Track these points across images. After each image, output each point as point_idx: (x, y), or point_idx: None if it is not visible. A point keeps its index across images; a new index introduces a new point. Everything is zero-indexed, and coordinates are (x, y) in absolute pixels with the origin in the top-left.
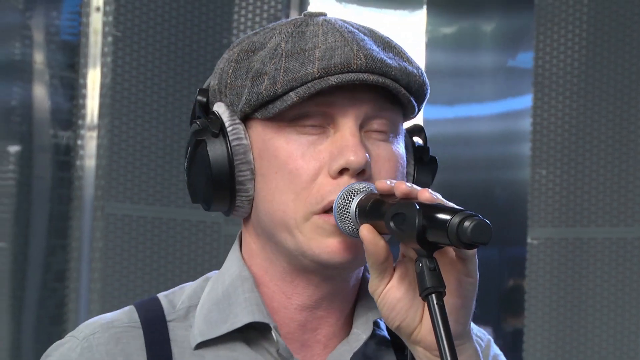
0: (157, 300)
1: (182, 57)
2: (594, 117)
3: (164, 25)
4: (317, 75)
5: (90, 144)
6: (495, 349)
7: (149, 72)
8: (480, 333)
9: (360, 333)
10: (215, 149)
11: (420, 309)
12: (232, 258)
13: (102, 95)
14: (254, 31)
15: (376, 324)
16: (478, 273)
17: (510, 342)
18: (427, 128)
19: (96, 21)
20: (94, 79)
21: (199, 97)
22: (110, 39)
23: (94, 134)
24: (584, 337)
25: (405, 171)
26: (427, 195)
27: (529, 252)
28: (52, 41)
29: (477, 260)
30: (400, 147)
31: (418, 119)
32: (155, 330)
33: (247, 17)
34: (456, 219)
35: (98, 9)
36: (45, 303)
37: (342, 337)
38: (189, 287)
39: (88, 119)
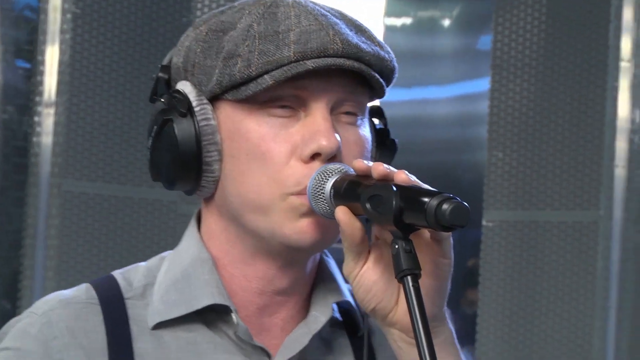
0: (113, 278)
1: (142, 35)
2: (551, 100)
3: (123, 3)
4: (293, 59)
5: (47, 121)
6: None
7: (107, 49)
8: None
9: (319, 315)
10: (183, 129)
11: (395, 291)
12: (190, 238)
13: (61, 73)
14: (220, 10)
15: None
16: (453, 254)
17: (465, 325)
18: (385, 110)
19: None
20: (52, 56)
21: (161, 74)
22: (69, 15)
23: (52, 111)
24: (538, 320)
25: (370, 155)
26: (404, 176)
27: (484, 235)
28: (10, 17)
29: (451, 242)
30: (366, 130)
31: (375, 102)
32: (114, 308)
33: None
34: (434, 202)
35: None
36: (1, 281)
37: (299, 320)
38: (144, 265)
39: (46, 96)
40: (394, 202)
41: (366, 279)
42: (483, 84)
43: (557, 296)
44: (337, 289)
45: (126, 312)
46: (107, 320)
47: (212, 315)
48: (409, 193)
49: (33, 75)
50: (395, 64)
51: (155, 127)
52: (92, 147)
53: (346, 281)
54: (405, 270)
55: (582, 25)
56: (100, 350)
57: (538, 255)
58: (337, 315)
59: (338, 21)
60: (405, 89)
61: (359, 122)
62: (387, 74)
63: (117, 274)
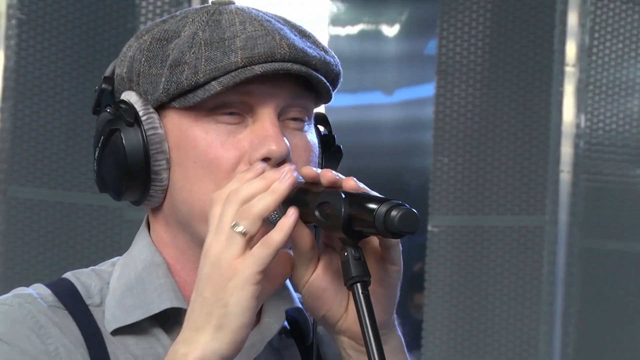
0: (70, 283)
1: (87, 41)
2: (496, 105)
3: (68, 9)
4: (241, 65)
5: None
6: None
7: (53, 55)
8: None
9: (273, 322)
10: (131, 139)
11: (345, 298)
12: (142, 244)
13: (6, 78)
14: (162, 19)
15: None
16: (402, 261)
17: (411, 331)
18: (330, 115)
19: (0, 3)
20: None
21: (105, 85)
22: (14, 21)
23: None
24: (484, 325)
25: (317, 160)
26: (353, 183)
27: (429, 240)
28: None
29: (400, 248)
30: (313, 135)
31: (320, 107)
32: (80, 313)
33: (150, 1)
34: (383, 208)
35: None
36: None
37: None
38: (95, 270)
39: None
40: (342, 210)
41: (315, 287)
42: (428, 89)
43: (502, 301)
44: (289, 296)
45: (93, 317)
46: (78, 324)
47: (168, 320)
48: (358, 200)
49: None
50: (340, 69)
51: (102, 137)
52: (37, 153)
53: (296, 290)
54: (354, 277)
55: (527, 30)
56: (81, 346)
57: (484, 260)
58: (286, 323)
59: (283, 26)
60: (350, 94)
61: (306, 127)
62: (333, 78)
63: (72, 278)
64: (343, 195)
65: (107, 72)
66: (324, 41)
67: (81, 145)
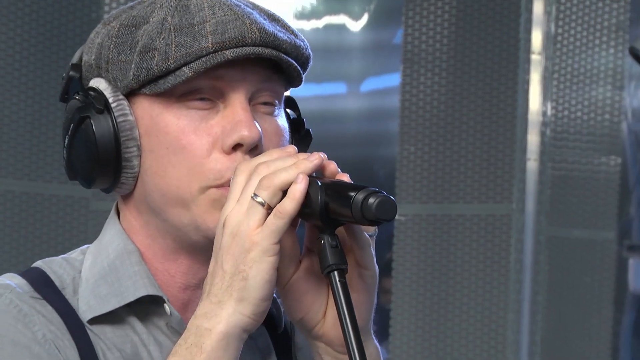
0: (43, 272)
1: (51, 31)
2: (462, 94)
3: None
4: (211, 50)
5: None
6: None
7: (17, 45)
8: None
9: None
10: (101, 126)
11: (324, 304)
12: (113, 231)
13: None
14: (129, 5)
15: None
16: (377, 266)
17: (379, 320)
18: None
19: None
20: None
21: (72, 73)
22: None
23: None
24: (452, 314)
25: (287, 144)
26: (333, 167)
27: (397, 229)
28: None
29: (373, 253)
30: (283, 120)
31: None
32: (59, 303)
33: None
34: (360, 196)
35: None
36: None
37: None
38: (65, 258)
39: None
40: (319, 197)
41: (295, 289)
42: (394, 79)
43: (470, 289)
44: None
45: (71, 306)
46: (58, 312)
47: (142, 308)
48: (335, 188)
49: None
50: (310, 52)
51: (71, 125)
52: (2, 143)
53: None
54: (331, 265)
55: (492, 18)
56: (66, 332)
57: (451, 248)
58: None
59: (252, 10)
60: (315, 84)
61: (276, 112)
62: (303, 62)
63: (44, 267)
64: (319, 183)
65: (74, 60)
66: None
67: (46, 135)
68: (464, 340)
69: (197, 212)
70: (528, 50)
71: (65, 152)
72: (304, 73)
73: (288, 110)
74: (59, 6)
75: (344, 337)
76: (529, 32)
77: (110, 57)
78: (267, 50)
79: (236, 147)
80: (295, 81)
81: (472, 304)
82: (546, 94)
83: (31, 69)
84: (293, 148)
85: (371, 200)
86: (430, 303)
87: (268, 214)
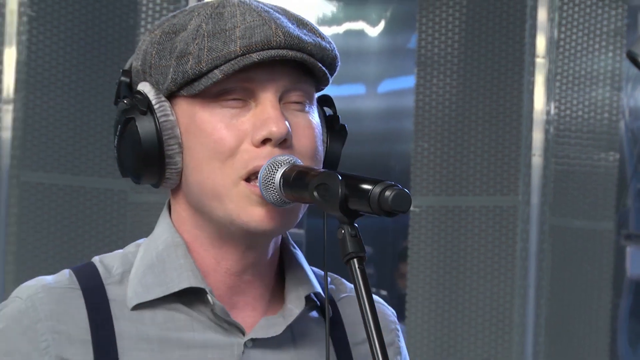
0: (93, 265)
1: (92, 36)
2: (472, 94)
3: (74, 7)
4: (239, 53)
5: (6, 117)
6: (402, 342)
7: (61, 49)
8: (394, 317)
9: (293, 308)
10: (145, 126)
11: None
12: (163, 225)
13: (18, 72)
14: (172, 14)
15: (308, 299)
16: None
17: (396, 305)
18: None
19: (12, 2)
20: (10, 56)
21: (123, 78)
22: (25, 18)
23: (10, 107)
24: (462, 298)
25: (321, 138)
26: None
27: (412, 219)
28: None
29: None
30: (315, 116)
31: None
32: (94, 292)
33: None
34: (377, 189)
35: None
36: None
37: (268, 298)
38: (121, 252)
39: (4, 93)
40: (339, 190)
41: None
42: (409, 81)
43: (480, 275)
44: (308, 282)
45: (106, 296)
46: (88, 304)
47: (189, 297)
48: (354, 181)
49: None
50: (337, 53)
51: (119, 126)
52: (47, 140)
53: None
54: (351, 252)
55: (499, 24)
56: (84, 332)
57: (462, 237)
58: (314, 311)
59: (280, 16)
60: (335, 85)
61: (307, 108)
62: (330, 62)
63: (96, 260)
64: (340, 177)
65: (126, 66)
66: None
67: (88, 132)
68: (473, 322)
69: (231, 207)
70: (533, 54)
71: (115, 151)
72: (332, 74)
73: (324, 108)
74: (98, 13)
75: (362, 321)
76: (533, 37)
77: (153, 62)
78: (291, 53)
79: (265, 141)
80: (322, 81)
81: (482, 288)
82: (550, 95)
83: (73, 71)
84: None
85: (387, 193)
86: (442, 287)
87: None
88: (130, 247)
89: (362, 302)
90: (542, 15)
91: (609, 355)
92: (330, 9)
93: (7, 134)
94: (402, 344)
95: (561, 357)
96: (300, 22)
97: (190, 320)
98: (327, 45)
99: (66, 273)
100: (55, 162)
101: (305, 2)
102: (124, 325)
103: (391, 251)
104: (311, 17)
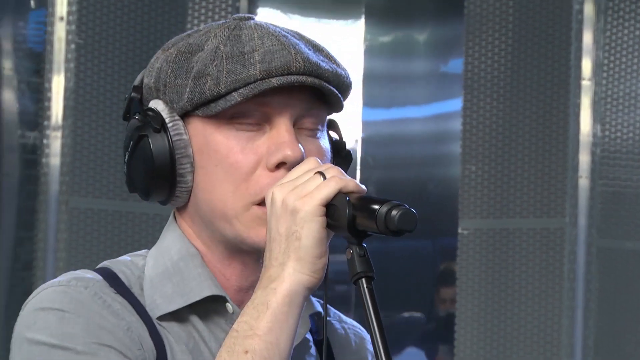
0: (111, 271)
1: (140, 63)
2: (518, 117)
3: (122, 34)
4: (259, 77)
5: (55, 144)
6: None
7: (108, 76)
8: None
9: (299, 328)
10: (158, 144)
11: None
12: (173, 236)
13: (66, 99)
14: (186, 33)
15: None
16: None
17: (443, 327)
18: (365, 129)
19: (60, 30)
20: (58, 84)
21: (134, 94)
22: (73, 46)
23: (59, 134)
24: (511, 320)
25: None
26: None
27: (460, 242)
28: (20, 49)
29: None
30: (326, 142)
31: (356, 121)
32: (131, 298)
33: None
34: (384, 208)
35: (62, 18)
36: (14, 290)
37: None
38: (131, 260)
39: (53, 120)
40: (347, 211)
41: None
42: (456, 104)
43: (528, 297)
44: (310, 302)
45: (139, 301)
46: (132, 306)
47: (204, 307)
48: (362, 202)
49: (41, 101)
50: (351, 80)
51: (131, 142)
52: (96, 166)
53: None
54: (359, 272)
55: (545, 48)
56: (144, 324)
57: (509, 259)
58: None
59: (298, 41)
60: (384, 109)
61: (319, 134)
62: (344, 89)
63: (111, 266)
64: (347, 198)
65: (136, 82)
66: (360, 64)
67: None
68: (522, 343)
69: (240, 228)
70: (579, 77)
71: (125, 167)
72: (344, 99)
73: (331, 133)
74: (147, 40)
75: (371, 339)
76: (579, 59)
77: (168, 80)
78: (310, 79)
79: (280, 165)
80: (336, 107)
81: (530, 310)
82: (596, 117)
83: (121, 98)
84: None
85: (394, 212)
86: (491, 310)
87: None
88: (135, 258)
89: (370, 321)
90: (587, 38)
91: None
92: (379, 39)
93: (56, 160)
94: None
95: None
96: (317, 48)
97: (208, 332)
98: (343, 72)
99: (95, 274)
100: (104, 187)
101: (349, 30)
102: (162, 330)
103: (430, 274)
104: (358, 44)
